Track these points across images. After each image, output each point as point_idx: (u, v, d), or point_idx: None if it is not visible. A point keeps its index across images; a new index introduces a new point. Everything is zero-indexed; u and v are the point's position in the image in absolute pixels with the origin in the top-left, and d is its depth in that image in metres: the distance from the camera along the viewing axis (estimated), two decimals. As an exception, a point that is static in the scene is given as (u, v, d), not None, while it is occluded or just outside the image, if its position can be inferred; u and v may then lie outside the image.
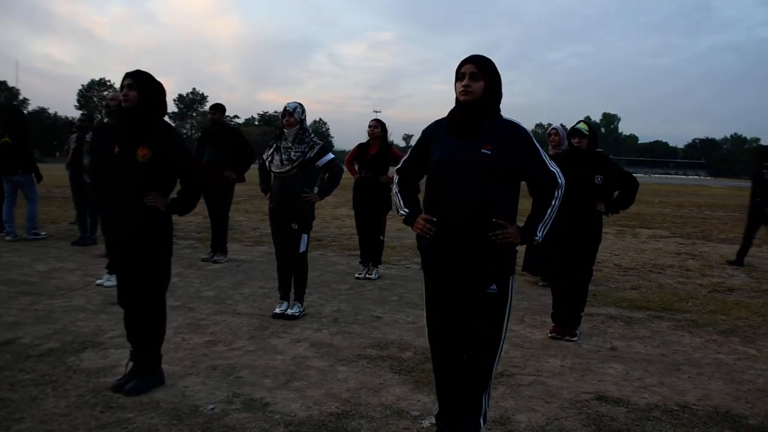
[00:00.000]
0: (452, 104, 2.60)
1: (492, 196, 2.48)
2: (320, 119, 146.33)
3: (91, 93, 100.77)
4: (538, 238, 2.55)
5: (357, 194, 6.47)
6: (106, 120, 5.65)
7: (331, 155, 4.80)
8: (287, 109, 4.67)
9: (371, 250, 6.54)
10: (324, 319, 4.85)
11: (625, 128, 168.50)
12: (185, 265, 6.85)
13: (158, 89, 3.23)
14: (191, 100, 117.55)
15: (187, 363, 3.66)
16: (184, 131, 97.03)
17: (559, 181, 2.56)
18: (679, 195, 30.56)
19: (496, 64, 2.57)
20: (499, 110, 2.60)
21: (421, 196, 2.76)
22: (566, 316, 4.58)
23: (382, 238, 6.57)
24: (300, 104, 4.75)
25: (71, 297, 5.22)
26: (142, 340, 3.25)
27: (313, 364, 3.76)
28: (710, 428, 3.06)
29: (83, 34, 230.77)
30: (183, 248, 8.09)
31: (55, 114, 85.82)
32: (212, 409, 3.01)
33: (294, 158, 4.59)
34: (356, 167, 6.57)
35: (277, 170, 4.66)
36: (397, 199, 2.82)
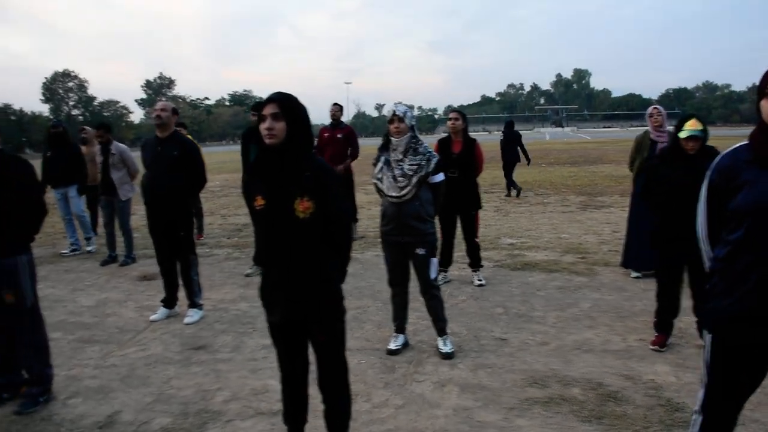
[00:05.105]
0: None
1: None
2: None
3: (56, 85, 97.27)
4: None
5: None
6: (157, 134, 4.88)
7: (443, 174, 4.01)
8: (396, 113, 3.80)
9: (469, 255, 5.96)
10: (444, 347, 4.24)
11: (597, 83, 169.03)
12: (242, 284, 6.19)
13: (305, 114, 2.41)
14: (159, 85, 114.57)
15: (342, 435, 3.04)
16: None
17: None
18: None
19: None
20: None
21: None
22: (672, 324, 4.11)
23: (477, 239, 5.93)
24: (409, 107, 3.91)
25: (143, 343, 4.53)
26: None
27: (484, 419, 3.17)
28: None
29: (38, 23, 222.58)
30: (223, 260, 7.42)
31: (21, 109, 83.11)
32: None
33: (409, 173, 3.84)
34: None
35: (394, 195, 3.87)
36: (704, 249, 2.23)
